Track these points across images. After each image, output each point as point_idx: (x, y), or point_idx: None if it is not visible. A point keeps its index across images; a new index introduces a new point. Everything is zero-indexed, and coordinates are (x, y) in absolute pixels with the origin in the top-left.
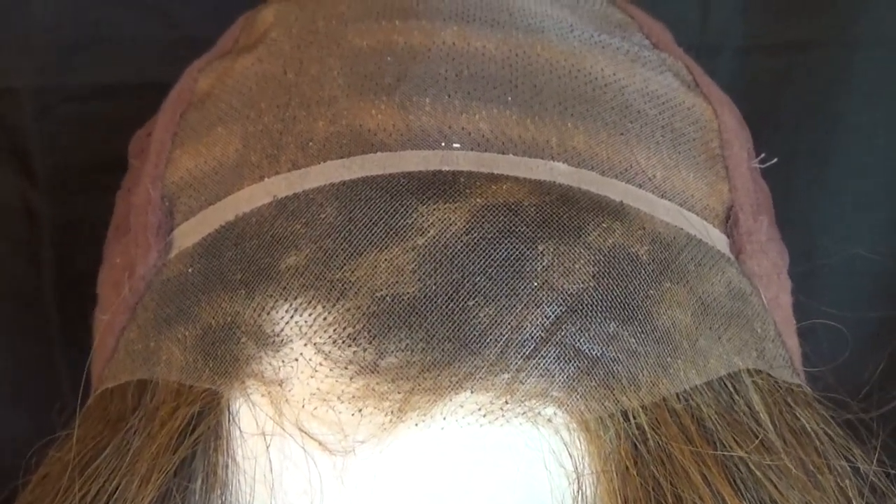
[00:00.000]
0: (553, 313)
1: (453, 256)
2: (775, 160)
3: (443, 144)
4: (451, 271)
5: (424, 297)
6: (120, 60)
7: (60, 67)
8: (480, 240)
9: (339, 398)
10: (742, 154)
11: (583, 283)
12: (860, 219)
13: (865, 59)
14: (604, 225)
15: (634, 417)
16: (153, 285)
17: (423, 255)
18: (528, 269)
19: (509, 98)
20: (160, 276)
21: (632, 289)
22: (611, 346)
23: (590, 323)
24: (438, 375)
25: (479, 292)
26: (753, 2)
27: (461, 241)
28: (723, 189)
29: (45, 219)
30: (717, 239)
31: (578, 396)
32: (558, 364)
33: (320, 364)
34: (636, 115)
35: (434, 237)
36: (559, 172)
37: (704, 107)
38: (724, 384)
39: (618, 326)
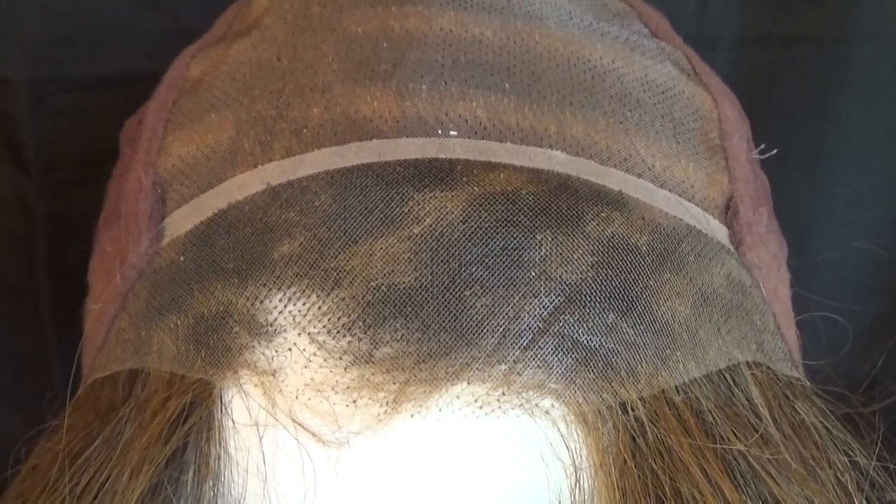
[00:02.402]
0: (551, 303)
1: (450, 245)
2: (775, 151)
3: (439, 132)
4: (447, 261)
5: (420, 286)
6: (115, 52)
7: (55, 59)
8: (477, 229)
9: (333, 389)
10: (742, 144)
11: (581, 273)
12: (854, 214)
13: (861, 53)
14: (603, 214)
15: (633, 410)
16: (145, 274)
17: (420, 244)
18: (525, 259)
19: (507, 85)
20: (152, 264)
21: (631, 279)
22: (609, 338)
23: (588, 313)
24: (434, 366)
25: (475, 282)
26: None
27: (458, 230)
28: (723, 180)
29: (39, 211)
30: (717, 230)
31: (576, 388)
32: (556, 355)
33: (314, 354)
34: (635, 104)
35: (430, 226)
36: (557, 161)
37: (704, 96)
38: (724, 377)
39: (616, 317)
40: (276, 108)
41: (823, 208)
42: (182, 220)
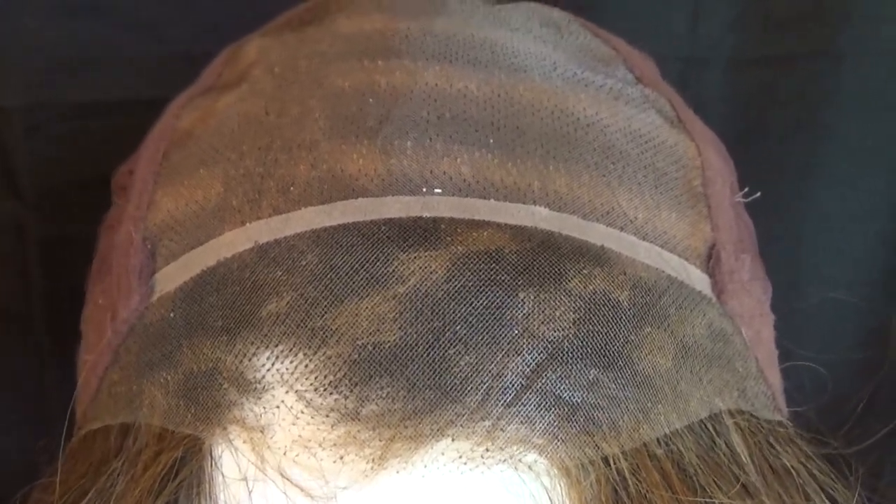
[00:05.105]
0: (534, 360)
1: (434, 305)
2: (758, 194)
3: (424, 190)
4: (431, 320)
5: (405, 345)
6: (111, 78)
7: (51, 85)
8: (461, 288)
9: (320, 445)
10: (725, 191)
11: (563, 330)
12: (848, 231)
13: (853, 71)
14: (584, 271)
15: (615, 463)
16: (136, 329)
17: (404, 304)
18: (508, 317)
19: (491, 141)
20: (143, 319)
21: (612, 335)
22: (591, 393)
23: (570, 370)
24: (419, 423)
25: (459, 340)
26: (742, 14)
27: (442, 290)
28: (705, 228)
29: (33, 235)
30: (698, 279)
31: (559, 443)
32: (539, 411)
33: (301, 411)
34: (618, 156)
35: (415, 285)
36: (541, 217)
37: (687, 144)
38: (705, 426)
39: (598, 373)
40: (263, 165)
41: (818, 222)
42: (172, 277)
